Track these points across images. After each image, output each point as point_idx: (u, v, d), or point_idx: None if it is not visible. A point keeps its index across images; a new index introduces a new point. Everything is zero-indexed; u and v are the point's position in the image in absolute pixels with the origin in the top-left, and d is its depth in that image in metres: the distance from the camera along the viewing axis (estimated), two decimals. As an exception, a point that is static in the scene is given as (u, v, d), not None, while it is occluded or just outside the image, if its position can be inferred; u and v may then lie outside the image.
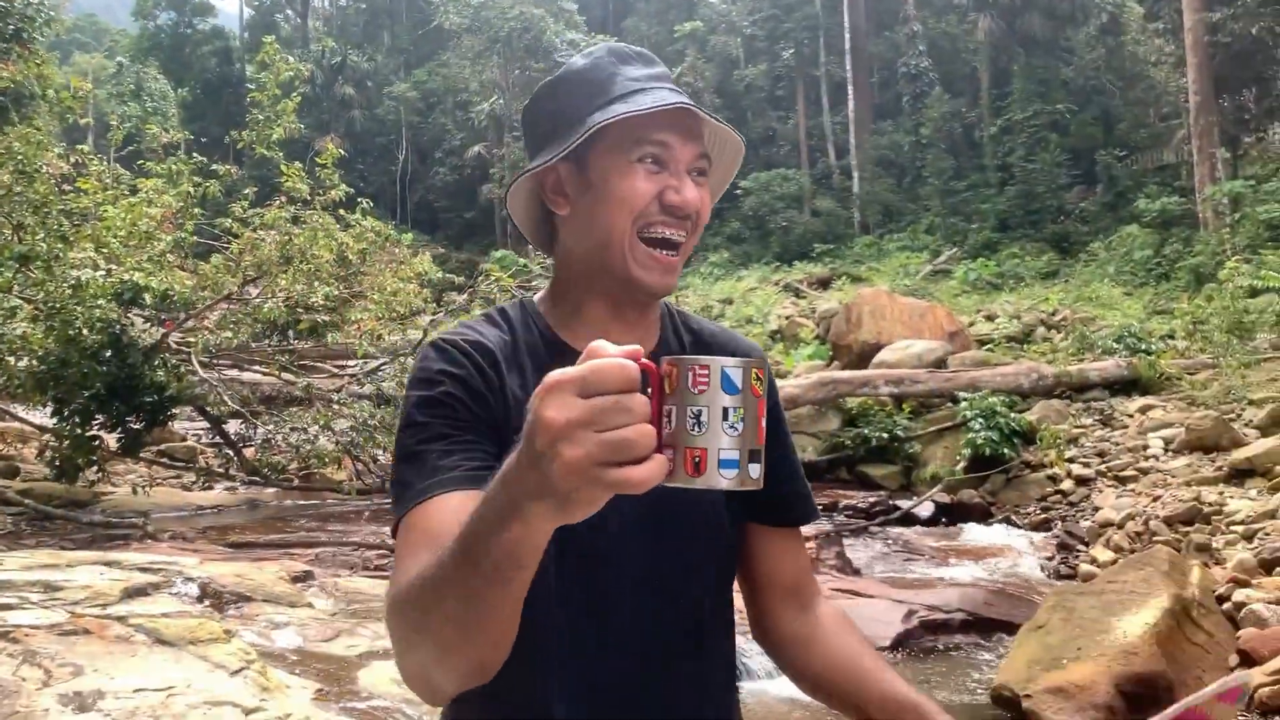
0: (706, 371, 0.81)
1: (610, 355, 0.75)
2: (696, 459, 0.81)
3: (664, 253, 1.16)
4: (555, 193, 1.21)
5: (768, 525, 1.33)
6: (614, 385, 0.74)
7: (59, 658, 4.30)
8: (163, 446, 11.99)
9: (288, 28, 54.31)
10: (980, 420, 10.62)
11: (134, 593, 5.25)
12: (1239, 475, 8.51)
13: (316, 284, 9.73)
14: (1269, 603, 5.85)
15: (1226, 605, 6.07)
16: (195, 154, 10.78)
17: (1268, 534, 6.97)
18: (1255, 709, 4.92)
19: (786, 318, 19.12)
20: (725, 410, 0.81)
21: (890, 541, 8.93)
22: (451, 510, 0.98)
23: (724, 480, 0.81)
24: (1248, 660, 5.40)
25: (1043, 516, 9.43)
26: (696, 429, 0.80)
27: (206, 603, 5.52)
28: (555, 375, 0.74)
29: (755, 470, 0.83)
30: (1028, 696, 5.05)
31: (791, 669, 1.33)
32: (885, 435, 11.34)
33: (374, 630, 5.58)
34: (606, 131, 1.15)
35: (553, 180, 1.20)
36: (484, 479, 0.89)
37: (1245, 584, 6.27)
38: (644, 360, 0.79)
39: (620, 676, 1.16)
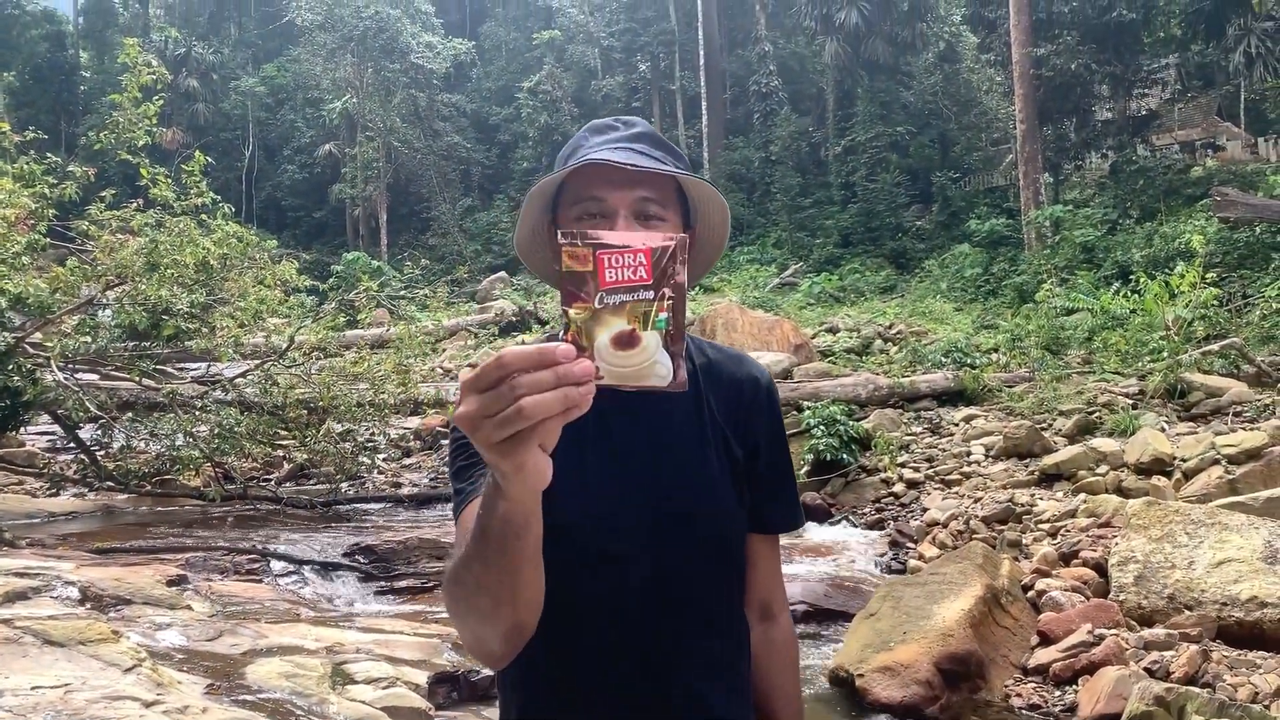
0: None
1: (501, 353, 0.90)
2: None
3: None
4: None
5: (750, 531, 1.47)
6: (490, 379, 0.89)
7: (-51, 660, 4.38)
8: (1, 452, 11.65)
9: (126, 15, 51.96)
10: (822, 428, 11.33)
11: (15, 597, 5.31)
12: (1048, 479, 9.39)
13: (179, 289, 9.69)
14: (1065, 590, 6.61)
15: (1031, 593, 6.78)
16: (29, 148, 10.48)
17: (1068, 531, 7.80)
18: (1050, 680, 5.66)
19: (642, 327, 19.62)
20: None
21: (740, 541, 9.47)
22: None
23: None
24: (1046, 640, 6.15)
25: (877, 516, 10.14)
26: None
27: (88, 606, 5.61)
28: (460, 379, 0.92)
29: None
30: (860, 675, 5.64)
31: None
32: (735, 441, 11.92)
33: (254, 630, 5.78)
34: (563, 197, 1.38)
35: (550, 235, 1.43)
36: None
37: (1047, 574, 7.03)
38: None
39: (638, 641, 1.36)
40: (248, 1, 53.24)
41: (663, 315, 0.97)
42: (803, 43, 37.35)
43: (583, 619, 1.35)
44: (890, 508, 10.25)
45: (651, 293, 0.96)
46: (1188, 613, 5.97)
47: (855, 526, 10.08)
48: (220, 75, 46.22)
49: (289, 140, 45.11)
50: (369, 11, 37.31)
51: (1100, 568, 6.89)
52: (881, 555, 8.89)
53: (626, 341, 0.96)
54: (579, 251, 0.96)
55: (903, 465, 10.82)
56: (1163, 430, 9.63)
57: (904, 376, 13.06)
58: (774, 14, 38.85)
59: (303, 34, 40.63)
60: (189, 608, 6.08)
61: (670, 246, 0.97)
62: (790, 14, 36.79)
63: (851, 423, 11.50)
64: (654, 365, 0.96)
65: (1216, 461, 8.30)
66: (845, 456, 11.11)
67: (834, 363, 14.92)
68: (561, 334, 0.96)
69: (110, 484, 10.22)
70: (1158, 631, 5.84)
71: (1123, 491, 8.56)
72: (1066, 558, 7.27)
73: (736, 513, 1.42)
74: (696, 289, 25.66)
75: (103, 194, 10.46)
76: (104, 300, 10.05)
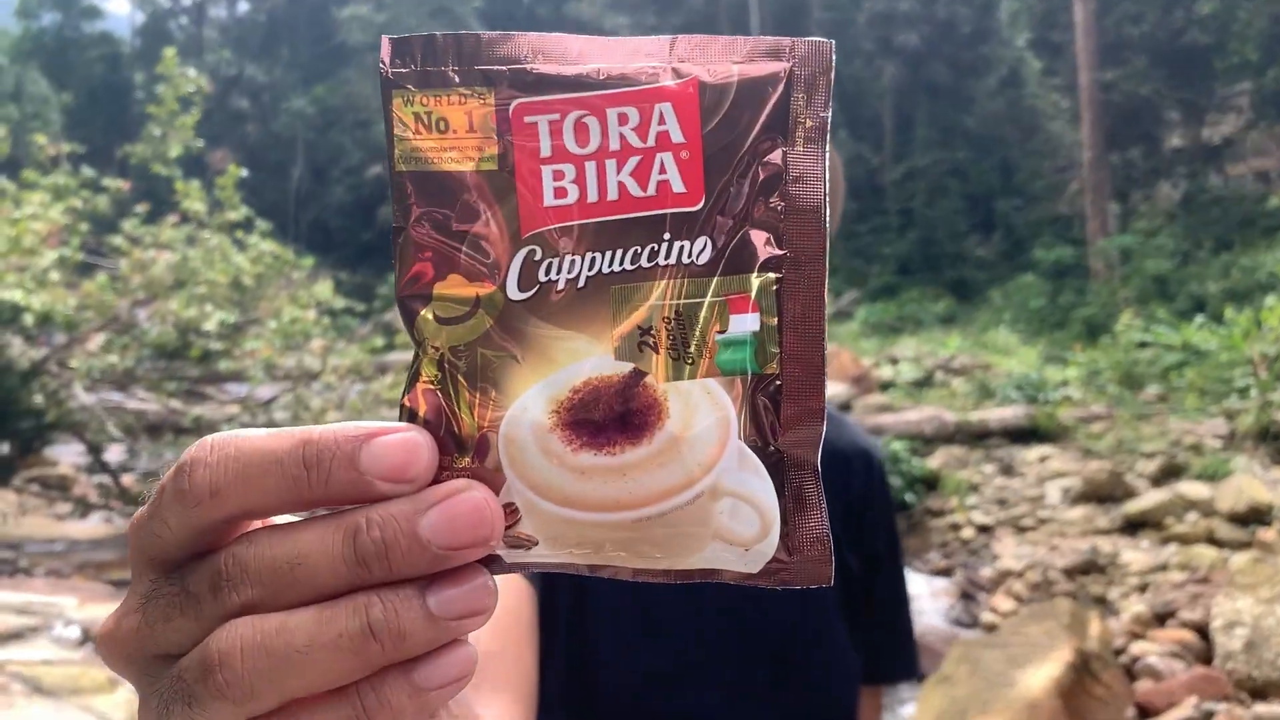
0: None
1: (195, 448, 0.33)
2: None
3: None
4: None
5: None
6: (170, 538, 0.35)
7: (-84, 716, 3.98)
8: (34, 473, 11.36)
9: (181, 36, 52.74)
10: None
11: (8, 637, 4.99)
12: (1132, 527, 8.71)
13: (210, 308, 9.31)
14: (1163, 655, 5.97)
15: (1123, 657, 6.16)
16: (82, 165, 10.23)
17: (1160, 586, 7.13)
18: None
19: (694, 356, 19.15)
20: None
21: (796, 586, 8.90)
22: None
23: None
24: (1144, 713, 5.49)
25: (945, 563, 9.50)
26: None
27: (89, 647, 5.21)
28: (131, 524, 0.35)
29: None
30: (937, 755, 5.02)
31: None
32: (791, 477, 11.36)
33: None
34: None
35: None
36: None
37: (1140, 636, 6.40)
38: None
39: None
40: (300, 23, 53.69)
41: (747, 320, 0.34)
42: (860, 65, 36.76)
43: None
44: (958, 553, 9.59)
45: (706, 243, 0.34)
46: (1313, 690, 5.28)
47: (920, 573, 9.43)
48: (271, 96, 46.63)
49: (338, 161, 45.29)
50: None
51: (1202, 630, 6.24)
52: (951, 608, 8.24)
53: (618, 423, 0.32)
54: (449, 101, 0.31)
55: (972, 508, 10.15)
56: (1256, 475, 8.89)
57: (972, 412, 12.36)
58: (830, 35, 38.20)
59: (354, 55, 40.86)
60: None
61: (770, 75, 0.36)
62: (848, 36, 36.26)
63: (915, 461, 10.86)
64: (709, 508, 0.31)
65: (1325, 513, 7.56)
66: (909, 497, 10.45)
67: (894, 396, 14.25)
68: (402, 395, 0.35)
69: (135, 509, 9.83)
70: (1275, 709, 5.19)
71: (1216, 542, 7.89)
72: (1161, 617, 6.64)
73: (851, 658, 1.03)
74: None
75: (137, 210, 10.16)
76: (134, 318, 9.71)
